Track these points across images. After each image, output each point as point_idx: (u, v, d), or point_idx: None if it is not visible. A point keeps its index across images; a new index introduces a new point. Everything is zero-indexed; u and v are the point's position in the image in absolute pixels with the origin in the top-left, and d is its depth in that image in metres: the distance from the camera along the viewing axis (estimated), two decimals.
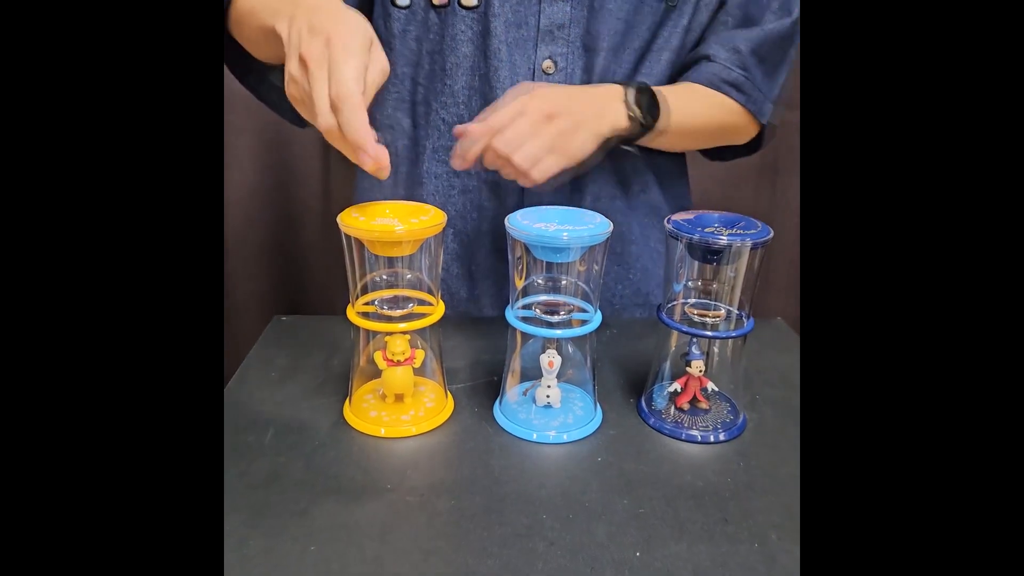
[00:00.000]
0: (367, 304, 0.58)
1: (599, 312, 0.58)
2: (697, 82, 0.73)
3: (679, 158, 0.85)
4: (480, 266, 0.80)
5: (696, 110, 0.73)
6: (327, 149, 1.32)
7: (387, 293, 0.59)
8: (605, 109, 0.65)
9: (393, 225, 0.52)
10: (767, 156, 1.17)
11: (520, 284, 0.59)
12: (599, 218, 0.56)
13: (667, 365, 0.63)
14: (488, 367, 0.69)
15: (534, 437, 0.57)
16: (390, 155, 0.82)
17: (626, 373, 0.69)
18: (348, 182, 1.37)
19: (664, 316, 0.60)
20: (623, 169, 0.78)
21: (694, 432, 0.59)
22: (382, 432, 0.57)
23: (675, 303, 0.61)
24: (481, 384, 0.66)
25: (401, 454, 0.56)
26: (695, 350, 0.60)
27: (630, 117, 0.66)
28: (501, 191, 0.76)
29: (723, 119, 0.75)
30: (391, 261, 0.58)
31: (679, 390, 0.61)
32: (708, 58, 0.73)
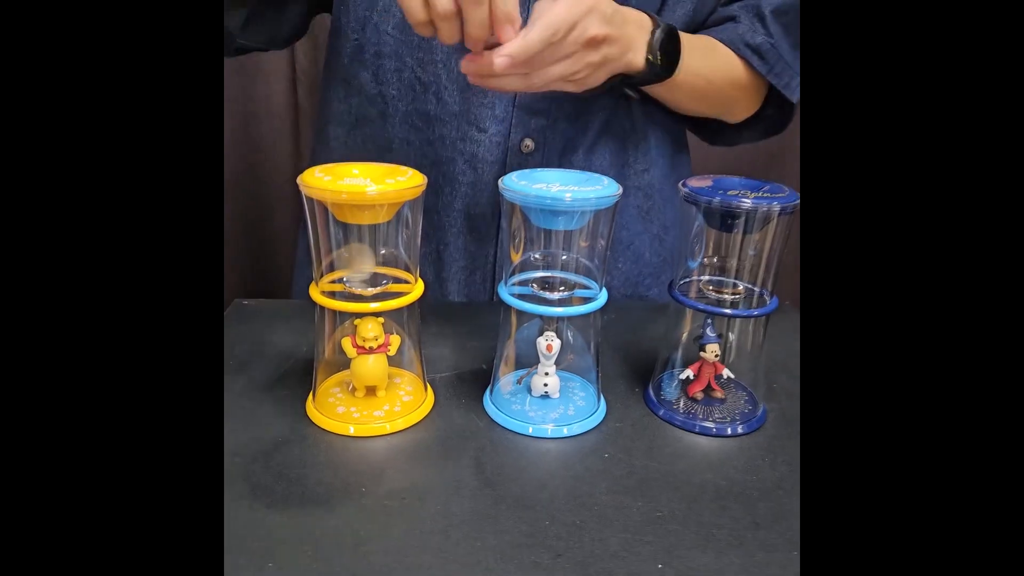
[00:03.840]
0: (333, 283, 0.51)
1: (605, 290, 0.51)
2: (718, 40, 0.67)
3: (681, 137, 0.79)
4: (449, 247, 0.72)
5: (707, 67, 0.66)
6: (298, 128, 1.23)
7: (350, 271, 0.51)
8: (634, 43, 0.58)
9: (364, 186, 0.45)
10: (772, 144, 1.11)
11: (517, 258, 0.51)
12: (606, 180, 0.49)
13: (679, 350, 0.56)
14: (473, 354, 0.62)
15: (530, 431, 0.50)
16: (346, 114, 0.76)
17: (628, 360, 0.62)
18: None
19: (678, 294, 0.53)
20: (624, 146, 0.71)
21: (709, 424, 0.52)
22: (351, 431, 0.50)
23: (689, 280, 0.54)
24: (467, 373, 0.59)
25: (376, 454, 0.48)
26: (710, 332, 0.53)
27: (648, 61, 0.59)
28: (479, 163, 0.68)
29: (730, 86, 0.69)
30: (362, 232, 0.50)
31: (692, 377, 0.55)
32: (733, 19, 0.66)
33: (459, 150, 0.68)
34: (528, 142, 0.67)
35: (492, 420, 0.52)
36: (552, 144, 0.68)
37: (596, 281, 0.51)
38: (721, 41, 0.66)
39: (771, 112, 0.73)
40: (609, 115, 0.69)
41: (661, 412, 0.54)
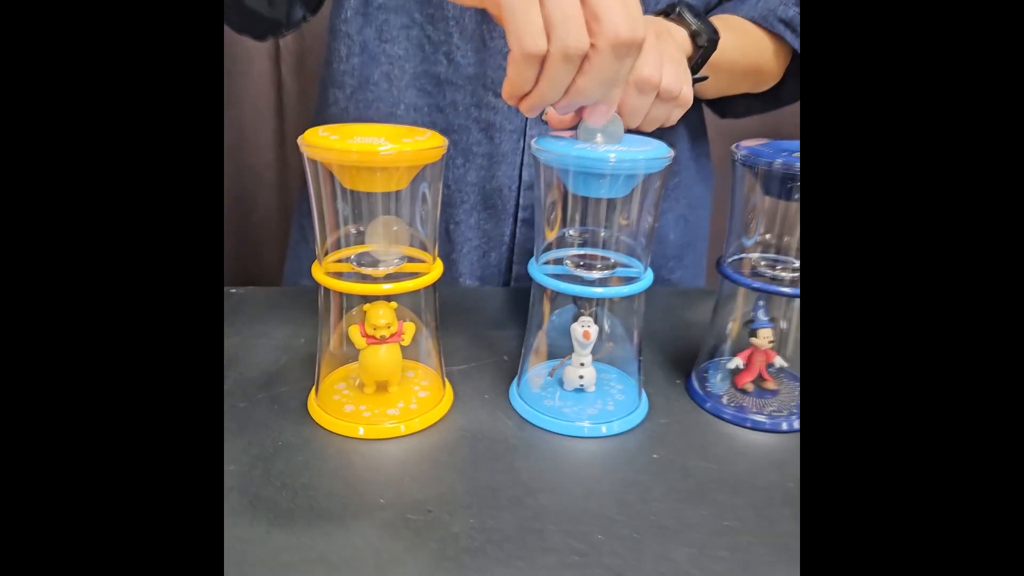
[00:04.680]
0: (340, 262, 0.44)
1: (650, 270, 0.45)
2: (745, 17, 0.61)
3: (700, 110, 0.73)
4: (461, 224, 0.66)
5: (733, 48, 0.60)
6: (281, 111, 1.16)
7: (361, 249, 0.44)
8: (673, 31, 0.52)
9: (376, 145, 0.38)
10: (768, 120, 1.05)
11: (552, 235, 0.45)
12: (653, 141, 0.43)
13: (728, 336, 0.50)
14: (492, 344, 0.55)
15: (578, 430, 0.44)
16: (348, 76, 0.68)
17: (665, 349, 0.56)
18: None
19: (728, 270, 0.47)
20: None
21: (761, 418, 0.47)
22: (360, 432, 0.43)
23: (740, 257, 0.48)
24: (487, 365, 0.53)
25: (392, 459, 0.42)
26: (763, 316, 0.48)
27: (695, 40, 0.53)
28: (496, 132, 0.62)
29: (757, 63, 0.63)
30: (372, 202, 0.43)
31: (741, 367, 0.49)
32: None
33: (473, 117, 0.61)
34: (550, 110, 0.61)
35: (522, 418, 0.46)
36: None
37: (640, 260, 0.45)
38: (751, 18, 0.61)
39: (791, 82, 0.68)
40: None
41: (708, 405, 0.48)
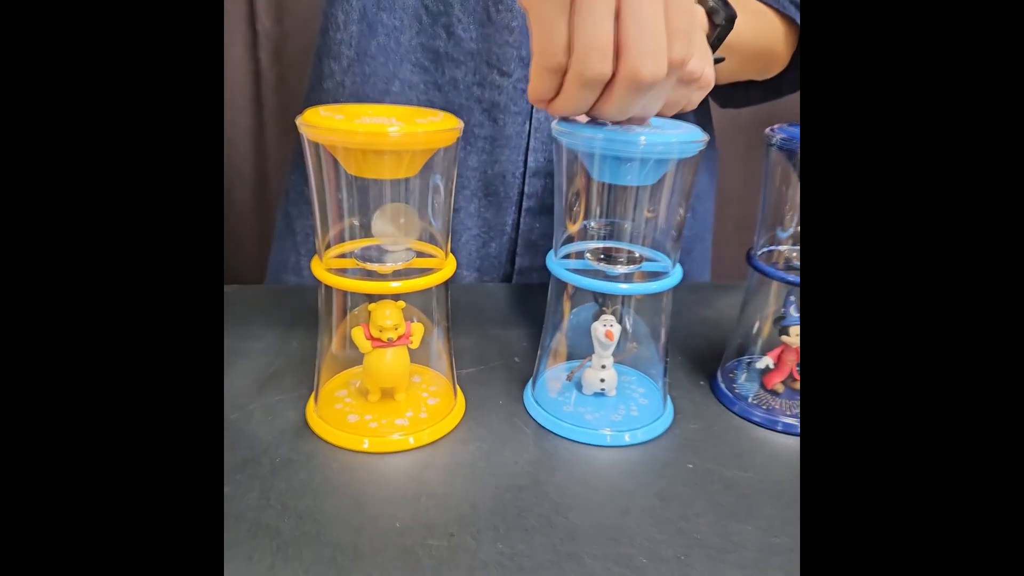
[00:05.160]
0: (341, 257, 0.40)
1: (679, 266, 0.41)
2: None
3: (706, 98, 0.70)
4: (460, 212, 0.62)
5: (748, 29, 0.57)
6: (259, 100, 1.10)
7: (367, 243, 0.40)
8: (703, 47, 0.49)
9: (386, 126, 0.34)
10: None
11: (574, 228, 0.41)
12: (685, 124, 0.39)
13: (759, 334, 0.47)
14: (501, 345, 0.52)
15: (607, 438, 0.41)
16: (345, 47, 0.64)
17: (685, 349, 0.53)
18: (286, 142, 1.16)
19: (759, 263, 0.44)
20: None
21: (792, 420, 0.44)
22: (365, 445, 0.39)
23: (770, 249, 0.45)
24: (497, 367, 0.49)
25: (404, 476, 0.38)
26: (794, 312, 0.45)
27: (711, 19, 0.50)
28: (500, 113, 0.58)
29: (769, 46, 0.60)
30: (381, 190, 0.39)
31: (771, 366, 0.46)
32: None
33: (475, 97, 0.57)
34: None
35: (540, 426, 0.42)
36: None
37: (667, 254, 0.41)
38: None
39: (792, 72, 0.65)
40: None
41: (736, 407, 0.45)
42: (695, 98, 0.46)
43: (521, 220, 0.61)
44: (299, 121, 0.35)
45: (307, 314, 0.54)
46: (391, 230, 0.39)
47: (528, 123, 0.58)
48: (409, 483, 0.37)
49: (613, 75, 0.32)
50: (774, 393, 0.46)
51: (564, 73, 0.33)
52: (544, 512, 0.35)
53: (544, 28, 0.32)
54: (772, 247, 0.45)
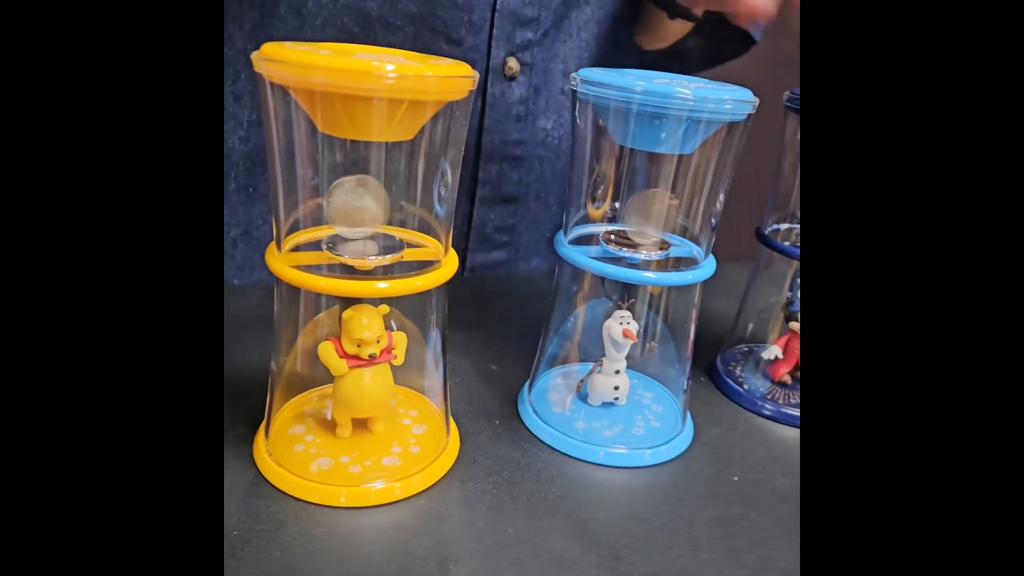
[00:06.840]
0: (300, 250, 0.30)
1: (713, 257, 0.36)
2: None
3: None
4: None
5: None
6: None
7: (337, 230, 0.31)
8: None
9: (380, 65, 0.25)
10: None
11: (598, 214, 0.34)
12: (728, 85, 0.33)
13: (771, 316, 0.43)
14: (471, 350, 0.44)
15: (647, 456, 0.34)
16: (237, 2, 0.51)
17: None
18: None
19: (774, 240, 0.40)
20: None
21: (794, 412, 0.40)
22: (342, 499, 0.30)
23: (777, 227, 0.41)
24: (474, 378, 0.41)
25: (410, 533, 0.29)
26: None
27: None
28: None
29: None
30: (366, 158, 0.30)
31: (779, 356, 0.42)
32: None
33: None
34: (512, 63, 0.50)
35: (552, 448, 0.35)
36: (540, 67, 0.51)
37: (699, 242, 0.36)
38: None
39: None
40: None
41: (744, 401, 0.41)
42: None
43: (474, 211, 0.53)
44: (256, 56, 0.25)
45: (259, 322, 0.43)
46: (370, 205, 0.30)
47: (481, 97, 0.50)
48: (420, 548, 0.28)
49: None
50: (782, 385, 0.42)
51: None
52: (597, 560, 0.28)
53: None
54: (778, 226, 0.41)
